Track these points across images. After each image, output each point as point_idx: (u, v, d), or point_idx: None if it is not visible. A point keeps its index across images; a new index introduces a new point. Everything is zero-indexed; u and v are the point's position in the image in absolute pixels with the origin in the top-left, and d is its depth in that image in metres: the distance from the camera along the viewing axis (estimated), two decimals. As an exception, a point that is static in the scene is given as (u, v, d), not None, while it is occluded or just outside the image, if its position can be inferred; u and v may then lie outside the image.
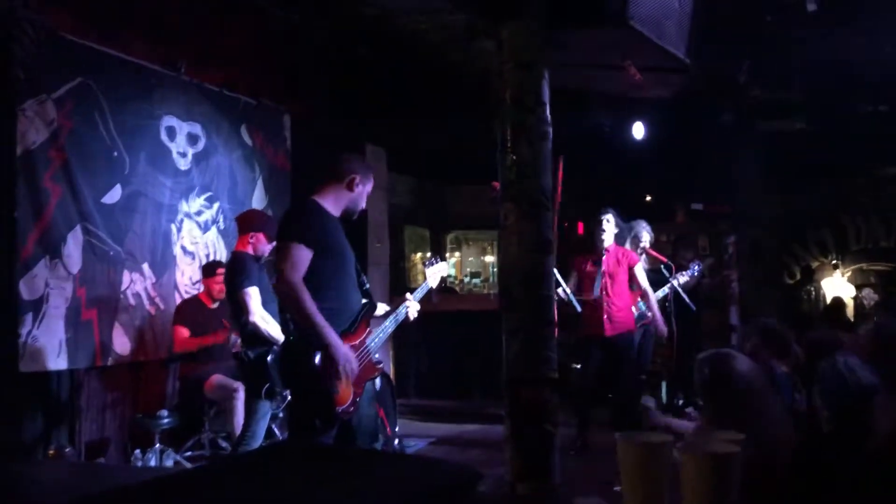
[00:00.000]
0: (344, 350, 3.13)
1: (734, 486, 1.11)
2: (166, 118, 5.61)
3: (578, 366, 5.88)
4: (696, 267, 6.18)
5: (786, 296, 9.82)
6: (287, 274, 3.08)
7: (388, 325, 3.65)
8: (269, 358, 4.36)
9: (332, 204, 3.39)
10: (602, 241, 5.54)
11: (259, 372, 4.37)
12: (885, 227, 9.47)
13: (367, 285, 3.57)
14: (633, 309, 5.77)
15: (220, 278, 5.29)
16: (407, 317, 3.72)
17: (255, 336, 4.39)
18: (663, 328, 5.65)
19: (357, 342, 3.29)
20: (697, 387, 2.96)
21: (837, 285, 9.65)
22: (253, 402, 4.40)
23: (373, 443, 3.43)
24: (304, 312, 3.07)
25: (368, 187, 3.47)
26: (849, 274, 9.73)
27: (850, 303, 9.50)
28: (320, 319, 3.08)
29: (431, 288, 4.11)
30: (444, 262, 4.26)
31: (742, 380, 2.78)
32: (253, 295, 4.36)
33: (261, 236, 4.59)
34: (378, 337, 3.49)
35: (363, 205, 3.48)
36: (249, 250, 4.56)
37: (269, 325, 4.39)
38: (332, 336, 3.10)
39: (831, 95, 6.63)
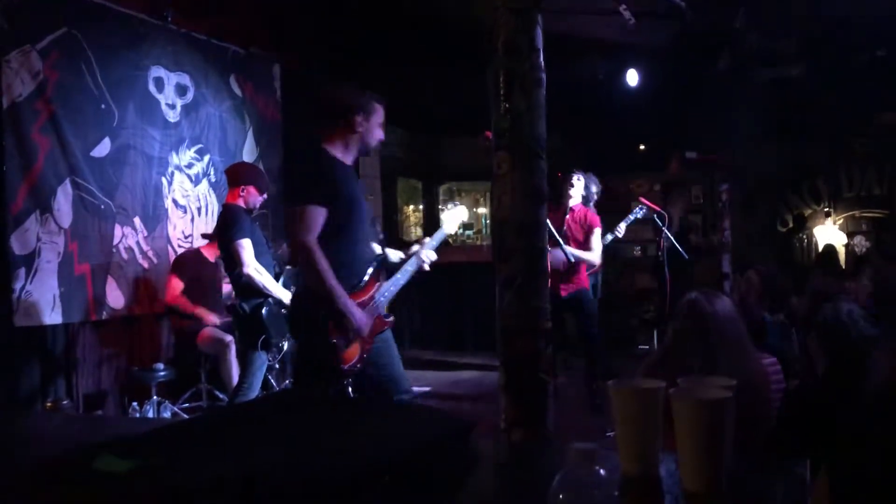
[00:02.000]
0: (358, 315, 3.08)
1: (728, 433, 1.12)
2: (154, 69, 5.52)
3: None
4: (640, 211, 6.02)
5: (778, 244, 9.86)
6: (301, 236, 3.02)
7: (400, 278, 3.45)
8: (264, 310, 4.37)
9: (342, 150, 3.24)
10: (568, 198, 5.47)
11: (255, 324, 4.38)
12: (878, 174, 9.45)
13: (382, 235, 3.48)
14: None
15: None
16: (421, 268, 3.50)
17: (248, 288, 4.40)
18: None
19: (366, 297, 3.22)
20: (674, 324, 2.97)
21: (829, 233, 9.69)
22: (249, 354, 4.42)
23: (401, 392, 3.31)
24: (318, 275, 3.01)
25: (377, 118, 3.27)
26: (840, 221, 9.75)
27: (841, 250, 9.55)
28: (334, 283, 3.02)
29: (448, 234, 3.83)
30: (462, 207, 3.97)
31: (717, 321, 2.79)
32: (246, 247, 4.35)
33: (251, 189, 4.56)
34: (389, 290, 3.37)
35: (376, 138, 3.29)
36: (241, 203, 4.53)
37: (263, 277, 4.39)
38: (346, 302, 3.04)
39: (828, 42, 6.56)
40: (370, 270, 3.24)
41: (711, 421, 1.12)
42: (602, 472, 0.88)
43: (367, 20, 6.59)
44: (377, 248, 3.40)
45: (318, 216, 3.03)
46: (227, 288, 5.31)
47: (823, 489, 0.81)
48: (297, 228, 3.04)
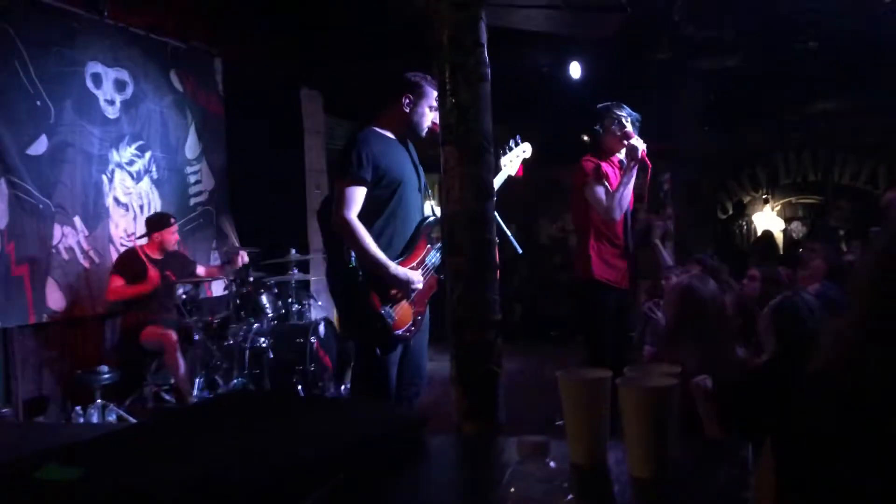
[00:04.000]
0: (403, 274, 3.15)
1: (674, 420, 1.15)
2: (91, 64, 5.38)
3: None
4: (513, 142, 5.96)
5: (719, 230, 10.10)
6: (342, 213, 3.12)
7: None
8: None
9: (389, 128, 3.32)
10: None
11: None
12: (813, 161, 9.75)
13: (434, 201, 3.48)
14: None
15: (174, 229, 5.24)
16: None
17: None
18: None
19: (415, 262, 3.26)
20: (668, 315, 3.08)
21: (767, 219, 9.96)
22: None
23: (418, 378, 3.37)
24: (361, 248, 3.11)
25: (427, 101, 3.30)
26: (778, 208, 10.03)
27: (779, 235, 9.83)
28: (377, 253, 3.11)
29: (510, 176, 3.71)
30: (527, 144, 3.82)
31: (713, 303, 2.92)
32: None
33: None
34: (441, 251, 3.31)
35: (427, 122, 3.33)
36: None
37: None
38: (390, 266, 3.12)
39: (763, 33, 6.73)
40: (415, 237, 3.29)
41: (657, 408, 1.15)
42: (552, 464, 0.90)
43: (310, 12, 6.52)
44: (427, 215, 3.40)
45: (357, 194, 3.13)
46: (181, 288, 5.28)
47: (767, 469, 0.84)
48: (337, 205, 3.14)
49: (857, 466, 0.74)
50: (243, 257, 5.52)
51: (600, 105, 4.21)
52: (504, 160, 3.71)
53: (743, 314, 3.95)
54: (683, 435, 1.20)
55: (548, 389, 1.31)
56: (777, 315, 2.81)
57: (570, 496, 0.88)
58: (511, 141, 3.79)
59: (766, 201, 9.99)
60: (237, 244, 5.76)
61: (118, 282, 5.04)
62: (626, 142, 3.95)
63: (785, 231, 9.93)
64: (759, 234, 9.72)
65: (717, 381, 2.56)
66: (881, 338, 0.79)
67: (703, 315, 2.95)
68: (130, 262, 5.15)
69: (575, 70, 7.33)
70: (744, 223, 10.14)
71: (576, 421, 1.21)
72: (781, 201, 10.01)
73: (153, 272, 5.04)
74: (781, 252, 8.92)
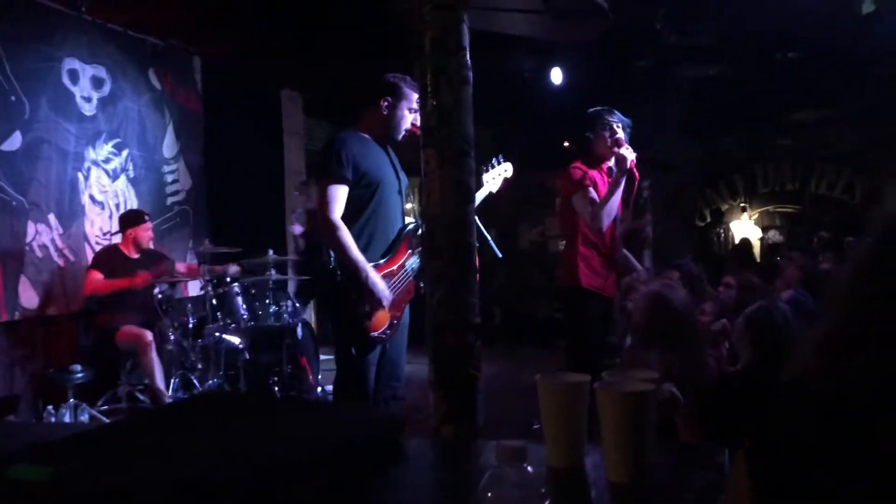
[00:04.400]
0: (379, 286, 3.15)
1: (651, 424, 1.15)
2: (68, 60, 5.32)
3: None
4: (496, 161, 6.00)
5: (697, 238, 10.19)
6: (326, 213, 3.15)
7: None
8: None
9: (370, 130, 3.34)
10: None
11: None
12: (791, 171, 9.86)
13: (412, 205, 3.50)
14: None
15: (148, 226, 5.19)
16: None
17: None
18: None
19: (395, 266, 3.28)
20: (639, 322, 3.08)
21: (745, 227, 10.06)
22: None
23: (395, 378, 3.37)
24: (341, 249, 3.13)
25: (407, 103, 3.31)
26: (756, 216, 10.14)
27: (757, 244, 9.93)
28: (356, 255, 3.13)
29: (491, 192, 3.69)
30: (508, 164, 3.79)
31: (684, 309, 2.92)
32: None
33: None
34: (421, 257, 3.31)
35: (405, 124, 3.34)
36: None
37: None
38: (368, 273, 3.13)
39: (744, 43, 6.79)
40: (396, 241, 3.31)
41: (635, 413, 1.15)
42: (530, 468, 0.89)
43: (291, 12, 6.48)
44: (409, 220, 3.42)
45: (340, 193, 3.16)
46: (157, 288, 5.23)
47: (742, 475, 0.84)
48: (320, 205, 3.18)
49: (837, 473, 0.74)
50: (227, 270, 5.49)
51: (591, 110, 4.12)
52: (486, 177, 3.70)
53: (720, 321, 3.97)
54: (660, 440, 1.20)
55: (527, 394, 1.31)
56: (752, 323, 2.83)
57: (547, 501, 0.88)
58: (494, 159, 3.77)
59: (743, 209, 10.09)
60: (230, 269, 5.65)
61: (96, 276, 4.98)
62: (616, 150, 3.90)
63: (762, 239, 10.04)
64: (736, 241, 9.82)
65: (691, 387, 2.58)
66: (860, 346, 0.79)
67: (673, 322, 2.95)
68: (109, 258, 5.09)
69: (557, 76, 7.36)
70: (721, 231, 10.24)
71: (554, 425, 1.21)
72: (759, 210, 10.11)
73: (142, 275, 4.98)
74: (759, 260, 9.00)
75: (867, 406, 0.75)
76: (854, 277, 0.86)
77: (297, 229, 5.95)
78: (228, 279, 5.38)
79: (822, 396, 0.79)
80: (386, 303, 3.20)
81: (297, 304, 5.58)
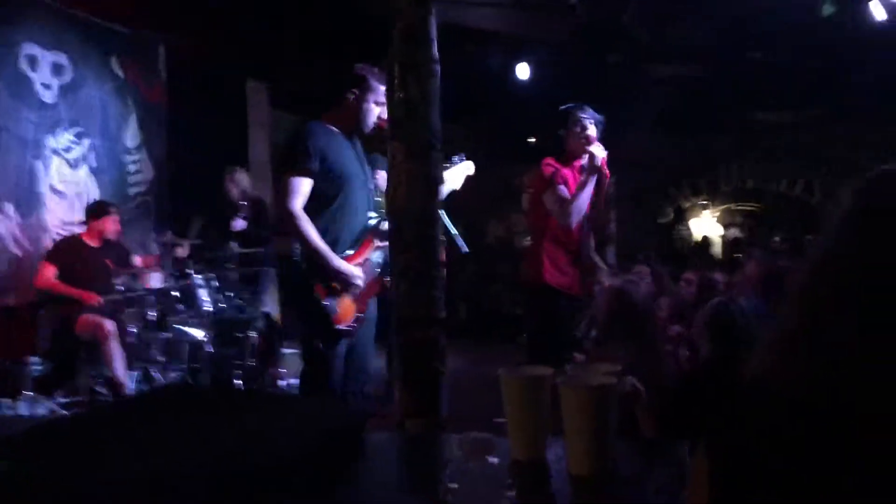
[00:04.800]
0: (346, 268, 3.13)
1: (613, 418, 1.16)
2: (26, 45, 5.20)
3: None
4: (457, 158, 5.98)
5: (660, 235, 10.31)
6: (286, 203, 3.10)
7: None
8: None
9: (336, 122, 3.29)
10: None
11: None
12: (752, 169, 10.02)
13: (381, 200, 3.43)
14: None
15: (116, 218, 5.11)
16: None
17: None
18: None
19: (360, 259, 3.24)
20: (601, 316, 3.12)
21: (707, 224, 10.21)
22: None
23: (363, 372, 3.35)
24: (304, 239, 3.09)
25: (373, 96, 3.26)
26: (718, 214, 10.29)
27: (718, 241, 10.08)
28: (320, 244, 3.09)
29: (453, 190, 3.60)
30: (469, 162, 3.72)
31: (645, 304, 2.97)
32: None
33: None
34: (386, 252, 3.22)
35: (372, 117, 3.30)
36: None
37: None
38: (333, 259, 3.10)
39: (713, 43, 6.87)
40: (361, 235, 3.27)
41: (597, 406, 1.16)
42: (495, 461, 0.90)
43: (258, 3, 6.41)
44: (373, 215, 3.36)
45: (303, 185, 3.11)
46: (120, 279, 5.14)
47: (702, 470, 0.85)
48: (281, 196, 3.13)
49: (800, 472, 0.75)
50: (179, 251, 5.42)
51: (563, 107, 4.07)
52: (446, 174, 3.55)
53: (679, 317, 4.03)
54: (621, 434, 1.21)
55: (491, 388, 1.31)
56: (712, 319, 2.87)
57: (510, 493, 0.88)
58: (455, 157, 3.70)
59: (705, 207, 10.23)
60: (184, 240, 5.60)
61: (50, 271, 4.87)
62: (586, 147, 3.86)
63: (723, 237, 10.19)
64: (698, 239, 9.96)
65: (651, 382, 2.61)
66: (816, 345, 0.80)
67: (634, 317, 3.00)
68: (67, 251, 4.98)
69: (523, 72, 7.37)
70: (683, 228, 10.37)
71: (517, 418, 1.21)
72: (721, 208, 10.26)
73: (94, 297, 4.88)
74: (720, 257, 9.15)
75: (825, 404, 0.77)
76: (808, 276, 0.87)
77: (240, 224, 5.79)
78: (190, 271, 5.31)
79: (780, 395, 0.80)
80: (360, 282, 3.18)
81: (256, 295, 5.52)
